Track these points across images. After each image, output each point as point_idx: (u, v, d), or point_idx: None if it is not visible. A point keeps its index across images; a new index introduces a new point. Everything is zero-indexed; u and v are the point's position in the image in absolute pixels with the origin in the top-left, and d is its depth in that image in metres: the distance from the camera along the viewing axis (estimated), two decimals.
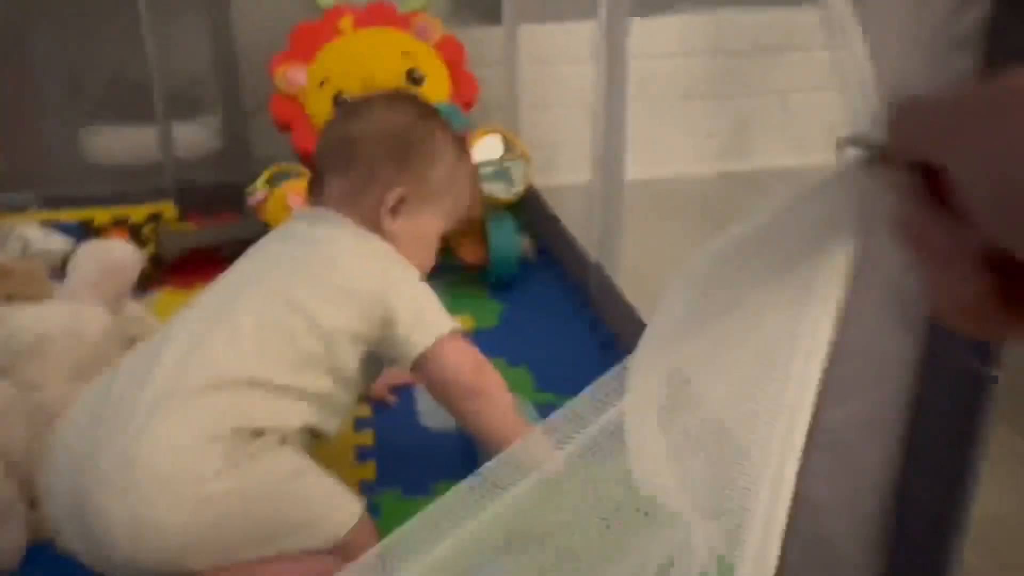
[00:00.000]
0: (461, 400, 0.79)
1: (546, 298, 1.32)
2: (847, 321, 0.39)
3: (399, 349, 0.77)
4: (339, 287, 0.76)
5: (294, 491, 0.70)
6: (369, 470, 0.89)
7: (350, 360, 0.76)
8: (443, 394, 0.80)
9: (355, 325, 0.75)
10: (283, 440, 0.71)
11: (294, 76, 1.35)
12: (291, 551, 0.68)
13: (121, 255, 1.03)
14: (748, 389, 0.36)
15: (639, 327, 1.04)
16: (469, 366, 0.78)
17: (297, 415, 0.73)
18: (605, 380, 0.39)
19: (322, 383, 0.74)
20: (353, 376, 0.77)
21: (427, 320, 0.78)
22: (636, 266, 1.22)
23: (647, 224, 1.59)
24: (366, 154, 0.84)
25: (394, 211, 0.83)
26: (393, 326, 0.76)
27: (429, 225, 0.86)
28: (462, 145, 0.91)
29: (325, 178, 0.85)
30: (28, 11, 1.71)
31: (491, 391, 0.80)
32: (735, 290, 0.35)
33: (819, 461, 0.58)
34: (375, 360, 0.79)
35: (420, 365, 0.77)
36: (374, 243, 0.82)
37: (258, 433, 0.69)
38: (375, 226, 0.82)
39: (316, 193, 0.86)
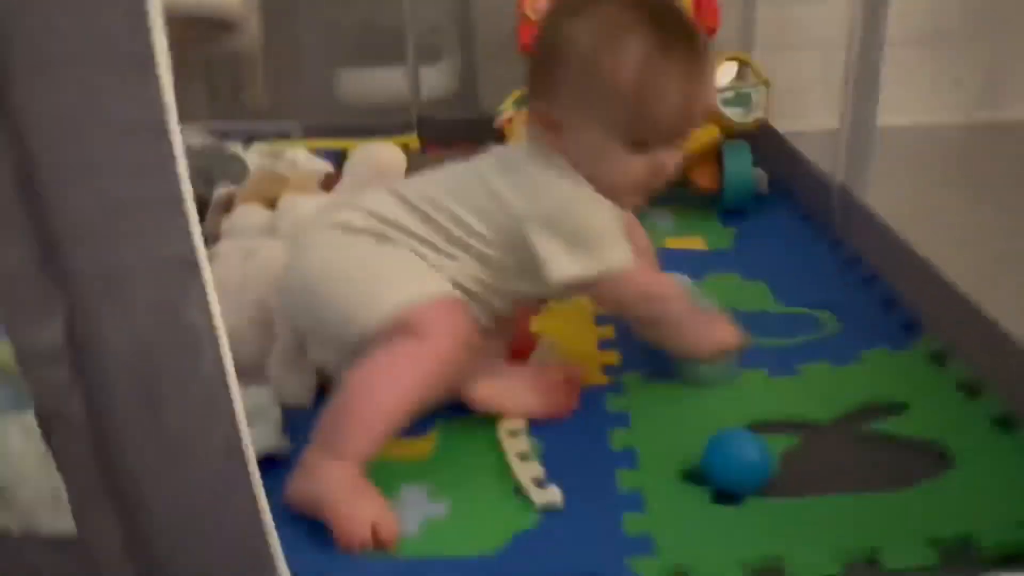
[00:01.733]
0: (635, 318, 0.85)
1: (782, 225, 1.29)
2: None
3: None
4: (484, 207, 0.75)
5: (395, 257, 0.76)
6: (612, 357, 0.92)
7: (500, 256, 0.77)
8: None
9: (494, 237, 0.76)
10: None
11: (540, 4, 1.41)
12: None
13: (390, 156, 1.14)
14: None
15: (890, 244, 1.00)
16: (631, 298, 0.81)
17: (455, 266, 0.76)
18: None
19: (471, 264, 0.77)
20: (502, 271, 0.77)
21: (558, 259, 0.74)
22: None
23: (883, 177, 1.51)
24: (530, 66, 0.77)
25: (550, 126, 0.75)
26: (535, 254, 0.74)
27: (589, 140, 0.74)
28: (651, 43, 0.71)
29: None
30: None
31: (665, 308, 0.82)
32: None
33: None
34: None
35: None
36: (532, 164, 0.76)
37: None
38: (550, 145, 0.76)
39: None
